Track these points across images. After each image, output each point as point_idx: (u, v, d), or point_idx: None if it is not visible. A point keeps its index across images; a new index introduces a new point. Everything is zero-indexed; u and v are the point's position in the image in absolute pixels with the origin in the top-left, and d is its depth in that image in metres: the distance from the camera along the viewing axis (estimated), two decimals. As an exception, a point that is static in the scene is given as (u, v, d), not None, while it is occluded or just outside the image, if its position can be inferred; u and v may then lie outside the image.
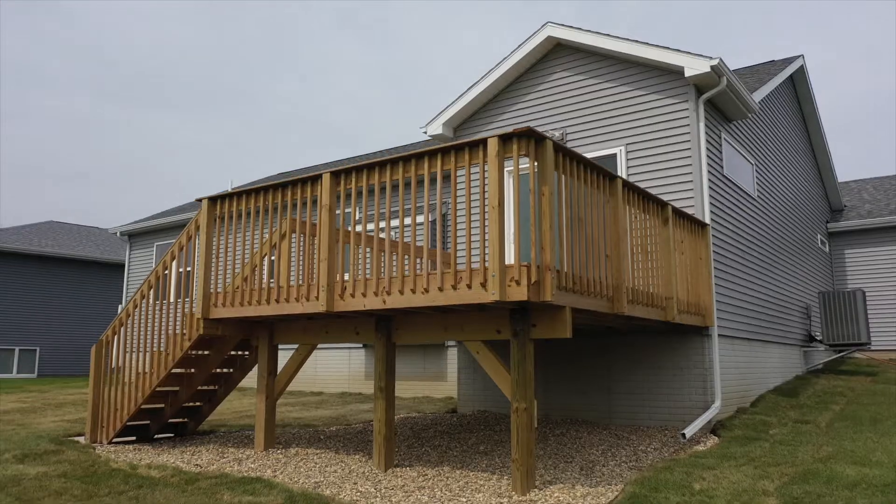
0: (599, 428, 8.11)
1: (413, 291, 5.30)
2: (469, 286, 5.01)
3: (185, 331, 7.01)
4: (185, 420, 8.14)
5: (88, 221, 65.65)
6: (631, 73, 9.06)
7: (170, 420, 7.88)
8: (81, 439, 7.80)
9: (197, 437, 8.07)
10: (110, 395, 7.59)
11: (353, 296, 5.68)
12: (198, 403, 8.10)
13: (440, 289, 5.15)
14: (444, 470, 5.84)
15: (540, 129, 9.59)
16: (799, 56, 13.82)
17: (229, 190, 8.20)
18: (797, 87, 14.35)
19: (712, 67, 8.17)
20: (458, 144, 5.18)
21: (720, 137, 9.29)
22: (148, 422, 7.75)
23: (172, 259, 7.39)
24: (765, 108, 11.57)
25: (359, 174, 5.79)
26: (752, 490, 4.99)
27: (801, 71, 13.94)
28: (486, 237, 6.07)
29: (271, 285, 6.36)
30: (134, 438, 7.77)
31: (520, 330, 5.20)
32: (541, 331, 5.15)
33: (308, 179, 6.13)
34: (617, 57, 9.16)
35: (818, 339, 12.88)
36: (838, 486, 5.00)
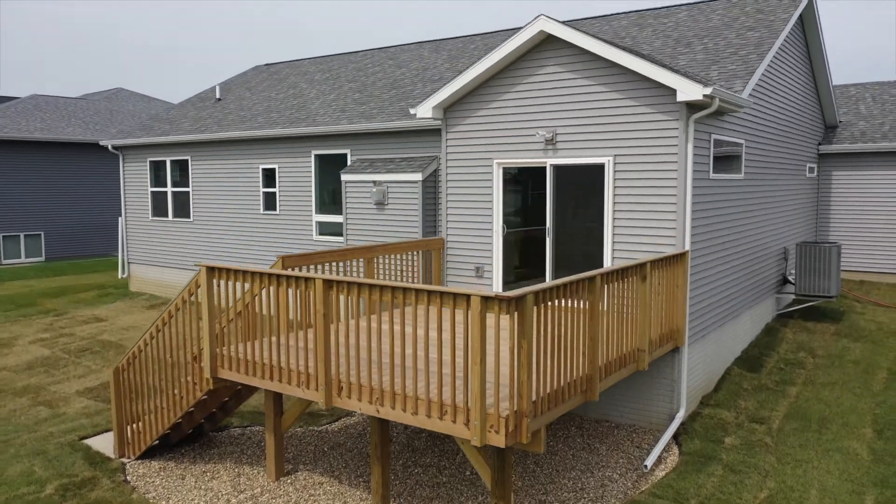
0: (575, 427, 9.02)
1: (404, 410, 5.86)
2: (454, 421, 5.57)
3: (195, 381, 7.62)
4: (202, 422, 8.99)
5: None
6: (624, 79, 8.84)
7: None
8: (110, 448, 8.69)
9: (214, 436, 8.99)
10: (135, 422, 8.36)
11: (349, 397, 6.24)
12: (213, 410, 8.90)
13: (428, 416, 5.71)
14: (434, 524, 6.76)
15: (531, 127, 9.56)
16: (809, -13, 13.09)
17: (221, 265, 8.35)
18: (805, 23, 13.73)
19: (705, 95, 8.03)
20: (446, 292, 5.47)
21: (710, 138, 9.28)
22: (169, 432, 8.60)
23: (177, 310, 7.80)
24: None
25: (350, 287, 6.10)
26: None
27: (811, 4, 13.28)
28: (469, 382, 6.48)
29: (277, 364, 6.86)
30: (157, 443, 8.65)
31: (497, 451, 5.84)
32: (518, 446, 5.78)
33: (302, 279, 6.42)
34: (611, 61, 8.88)
35: (791, 282, 13.56)
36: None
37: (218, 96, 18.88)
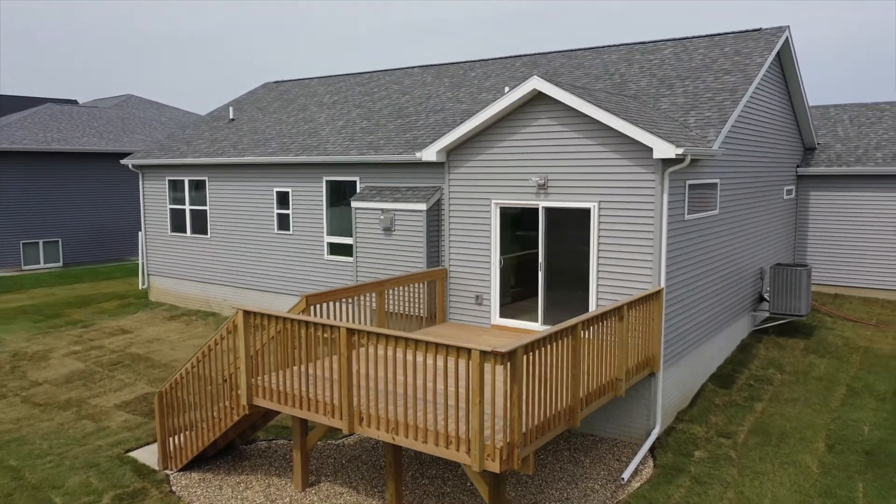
0: (563, 441, 10.20)
1: (416, 439, 7.02)
2: (458, 450, 6.73)
3: (233, 406, 8.78)
4: (235, 438, 10.15)
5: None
6: (608, 134, 9.95)
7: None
8: (154, 460, 9.85)
9: (244, 449, 10.16)
10: (177, 434, 9.53)
11: (369, 426, 7.40)
12: (244, 428, 10.07)
13: (436, 444, 6.87)
14: (440, 531, 7.94)
15: (525, 173, 10.68)
16: (784, 28, 14.17)
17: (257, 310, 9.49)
18: (782, 60, 14.82)
19: (677, 154, 9.15)
20: (451, 345, 6.62)
21: (685, 184, 10.39)
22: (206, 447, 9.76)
23: (216, 344, 8.95)
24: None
25: (370, 337, 7.24)
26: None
27: (787, 44, 14.36)
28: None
29: (306, 395, 8.02)
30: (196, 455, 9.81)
31: (493, 473, 7.01)
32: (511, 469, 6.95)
33: (327, 327, 7.57)
34: (596, 119, 9.98)
35: (767, 300, 14.71)
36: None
37: (231, 116, 19.95)
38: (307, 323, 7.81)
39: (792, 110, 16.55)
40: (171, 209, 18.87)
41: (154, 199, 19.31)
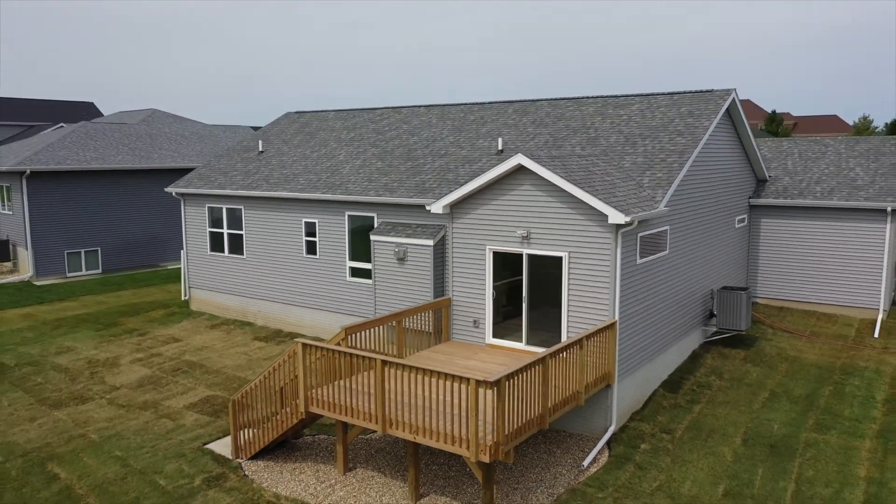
0: (541, 436, 13.17)
1: (431, 438, 10.00)
2: (460, 446, 9.71)
3: (292, 412, 11.76)
4: (289, 434, 13.14)
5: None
6: (575, 200, 12.84)
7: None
8: (227, 449, 12.82)
9: (295, 442, 13.13)
10: (245, 433, 12.51)
11: (397, 429, 10.37)
12: (298, 427, 13.05)
13: (445, 443, 9.85)
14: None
15: (512, 226, 13.58)
16: (731, 91, 17.02)
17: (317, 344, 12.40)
18: (731, 115, 17.68)
19: (626, 221, 12.05)
20: (456, 375, 9.58)
21: (636, 237, 13.30)
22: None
23: (279, 366, 11.90)
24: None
25: (397, 367, 10.20)
26: (599, 533, 10.11)
27: (734, 103, 17.22)
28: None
29: (350, 405, 10.99)
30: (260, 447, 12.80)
31: (483, 463, 9.98)
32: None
33: (368, 358, 10.53)
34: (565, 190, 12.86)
35: (715, 315, 17.66)
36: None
37: (260, 149, 22.80)
38: (351, 354, 10.76)
39: (744, 151, 19.42)
40: (211, 232, 21.77)
41: (195, 223, 22.19)
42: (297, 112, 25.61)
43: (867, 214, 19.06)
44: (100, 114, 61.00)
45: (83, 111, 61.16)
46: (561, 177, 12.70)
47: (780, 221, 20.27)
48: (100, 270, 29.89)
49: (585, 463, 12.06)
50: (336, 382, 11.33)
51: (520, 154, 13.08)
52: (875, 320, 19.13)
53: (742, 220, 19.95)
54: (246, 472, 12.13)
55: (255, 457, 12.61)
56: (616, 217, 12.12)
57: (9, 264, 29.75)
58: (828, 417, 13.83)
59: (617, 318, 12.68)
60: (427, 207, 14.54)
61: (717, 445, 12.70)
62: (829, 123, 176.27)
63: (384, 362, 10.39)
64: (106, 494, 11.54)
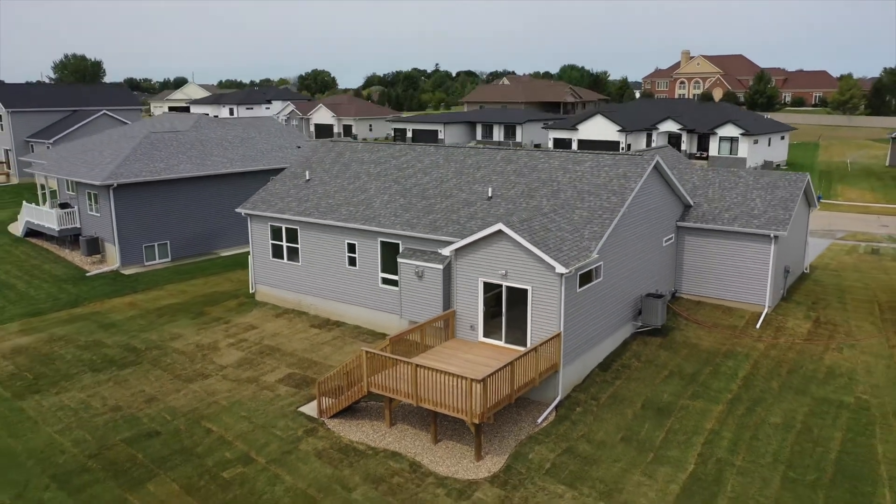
0: (514, 404, 20.49)
1: (446, 409, 17.32)
2: (463, 414, 17.04)
3: (359, 389, 19.08)
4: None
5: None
6: (535, 255, 19.84)
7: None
8: (315, 410, 20.16)
9: (356, 407, 20.45)
10: (326, 400, 19.86)
11: (425, 403, 17.70)
12: (360, 398, 20.38)
13: (453, 412, 17.18)
14: (459, 445, 18.35)
15: (496, 267, 20.68)
16: (654, 155, 23.80)
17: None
18: (658, 168, 24.52)
19: (566, 272, 19.09)
20: (460, 374, 16.84)
21: (577, 275, 20.33)
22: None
23: (352, 363, 19.16)
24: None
25: (425, 368, 17.46)
26: (540, 459, 17.56)
27: (657, 163, 24.03)
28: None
29: (395, 386, 18.30)
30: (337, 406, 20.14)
31: (475, 423, 17.26)
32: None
33: (406, 363, 17.81)
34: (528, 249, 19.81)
35: (641, 313, 24.85)
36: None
37: (307, 178, 29.57)
38: (396, 360, 18.03)
39: (671, 189, 26.26)
40: (273, 243, 28.79)
41: (259, 235, 29.18)
42: (331, 140, 32.22)
43: (758, 238, 26.09)
44: (132, 96, 66.91)
45: (115, 92, 67.09)
46: (526, 240, 19.69)
47: (699, 239, 27.29)
48: (169, 259, 36.98)
49: (539, 420, 19.45)
50: (384, 371, 18.62)
51: (500, 223, 20.04)
52: (761, 314, 26.37)
53: (669, 239, 26.96)
54: (329, 426, 19.54)
55: (332, 416, 20.00)
56: (560, 269, 19.16)
57: (98, 256, 36.79)
58: (701, 389, 21.20)
59: (562, 330, 19.88)
60: (440, 251, 21.58)
61: (623, 409, 20.08)
62: (819, 79, 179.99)
63: (417, 365, 17.64)
64: (247, 440, 18.97)
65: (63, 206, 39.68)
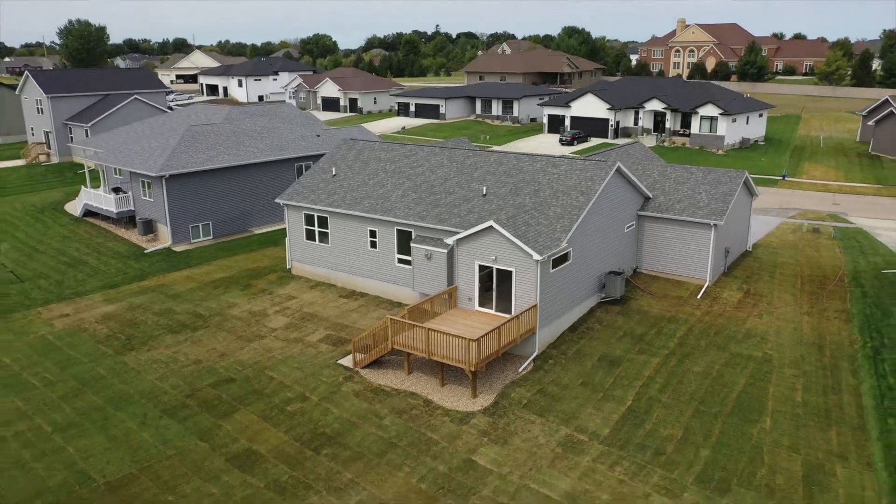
0: (501, 357, 26.87)
1: (451, 360, 23.74)
2: (463, 364, 23.46)
3: (385, 346, 25.49)
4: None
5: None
6: (518, 245, 26.00)
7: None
8: (350, 362, 26.58)
9: (383, 360, 26.83)
10: (359, 354, 26.28)
11: (435, 356, 24.11)
12: (385, 353, 26.78)
13: (457, 363, 23.60)
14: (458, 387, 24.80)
15: (489, 252, 27.00)
16: (617, 162, 29.81)
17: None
18: (620, 171, 30.58)
19: (541, 259, 25.30)
20: (464, 336, 23.23)
21: (550, 260, 26.55)
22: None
23: (378, 328, 25.53)
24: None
25: (436, 332, 23.86)
26: (518, 399, 24.06)
27: (618, 168, 30.09)
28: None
29: (413, 344, 24.71)
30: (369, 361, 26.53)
31: (472, 371, 23.64)
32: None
33: (421, 328, 24.21)
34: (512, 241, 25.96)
35: (604, 287, 31.11)
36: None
37: (334, 173, 35.56)
38: (413, 325, 24.41)
39: (632, 186, 32.28)
40: (306, 228, 34.94)
41: (294, 221, 35.32)
42: (352, 139, 38.14)
43: (701, 226, 32.23)
44: (158, 80, 72.20)
45: (143, 76, 72.38)
46: (511, 234, 25.86)
47: (656, 225, 33.44)
48: (211, 237, 43.16)
49: (520, 370, 25.90)
50: (404, 333, 25.00)
51: (492, 220, 26.18)
52: (702, 287, 32.67)
53: (631, 226, 33.10)
54: (362, 374, 25.97)
55: (364, 367, 26.43)
56: (536, 256, 25.36)
57: (152, 235, 42.95)
58: (645, 346, 27.59)
59: (538, 302, 26.17)
60: (445, 240, 27.75)
61: (584, 361, 26.51)
62: (810, 48, 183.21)
63: (429, 329, 23.99)
64: (301, 385, 25.43)
65: (115, 190, 45.69)
